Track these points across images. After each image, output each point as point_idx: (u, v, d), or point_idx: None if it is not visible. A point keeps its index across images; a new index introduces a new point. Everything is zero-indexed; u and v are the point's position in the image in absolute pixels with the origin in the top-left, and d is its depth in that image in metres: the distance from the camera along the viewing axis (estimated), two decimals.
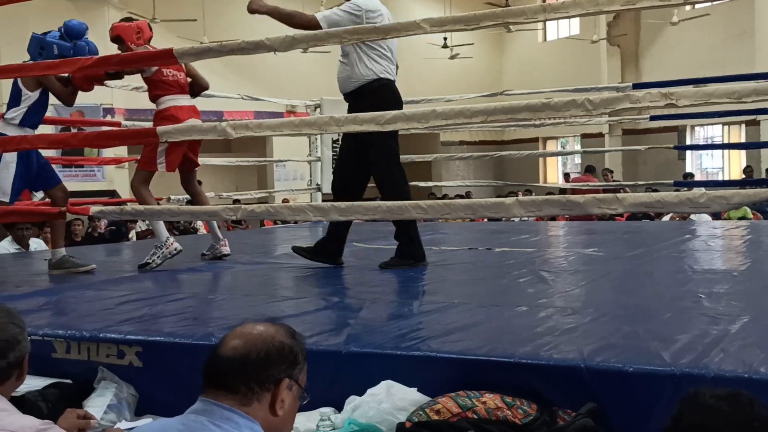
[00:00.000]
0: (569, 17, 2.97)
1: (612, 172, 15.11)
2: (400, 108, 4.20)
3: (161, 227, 4.72)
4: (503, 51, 23.01)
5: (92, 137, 4.14)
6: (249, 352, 1.61)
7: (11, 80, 4.55)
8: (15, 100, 4.45)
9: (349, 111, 4.30)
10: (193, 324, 2.87)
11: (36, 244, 7.96)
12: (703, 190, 7.60)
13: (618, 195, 2.61)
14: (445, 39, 19.10)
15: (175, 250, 4.69)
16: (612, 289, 3.81)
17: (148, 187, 4.77)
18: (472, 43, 19.56)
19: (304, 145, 8.78)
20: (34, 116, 4.48)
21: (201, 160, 8.46)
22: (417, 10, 20.75)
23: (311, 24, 4.14)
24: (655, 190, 12.23)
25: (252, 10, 4.16)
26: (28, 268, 5.33)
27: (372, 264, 4.86)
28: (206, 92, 5.14)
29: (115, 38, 4.64)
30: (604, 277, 4.13)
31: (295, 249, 4.71)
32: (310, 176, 8.69)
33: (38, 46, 4.42)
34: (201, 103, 5.10)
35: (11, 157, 4.31)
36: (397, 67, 4.55)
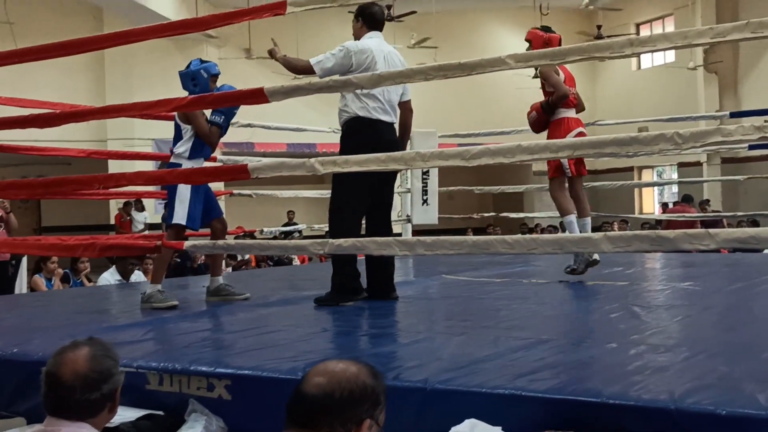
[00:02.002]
0: (657, 51, 2.92)
1: (709, 202, 14.64)
2: (377, 148, 3.76)
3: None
4: (596, 80, 22.70)
5: (188, 174, 4.27)
6: (333, 392, 1.63)
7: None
8: (178, 134, 4.59)
9: None
10: (281, 358, 2.90)
11: (136, 275, 8.26)
12: None
13: (710, 231, 2.53)
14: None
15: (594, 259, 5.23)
16: (709, 326, 3.68)
17: (565, 192, 5.31)
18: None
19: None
20: (201, 148, 4.61)
21: (293, 193, 8.63)
22: (509, 39, 20.75)
23: (306, 69, 4.32)
24: (756, 222, 11.78)
25: (270, 54, 4.51)
26: (129, 299, 5.51)
27: (461, 296, 4.84)
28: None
29: (528, 40, 5.05)
30: (701, 312, 4.00)
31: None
32: (401, 207, 8.71)
33: (189, 78, 4.55)
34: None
35: (184, 188, 4.46)
36: (408, 103, 4.57)
